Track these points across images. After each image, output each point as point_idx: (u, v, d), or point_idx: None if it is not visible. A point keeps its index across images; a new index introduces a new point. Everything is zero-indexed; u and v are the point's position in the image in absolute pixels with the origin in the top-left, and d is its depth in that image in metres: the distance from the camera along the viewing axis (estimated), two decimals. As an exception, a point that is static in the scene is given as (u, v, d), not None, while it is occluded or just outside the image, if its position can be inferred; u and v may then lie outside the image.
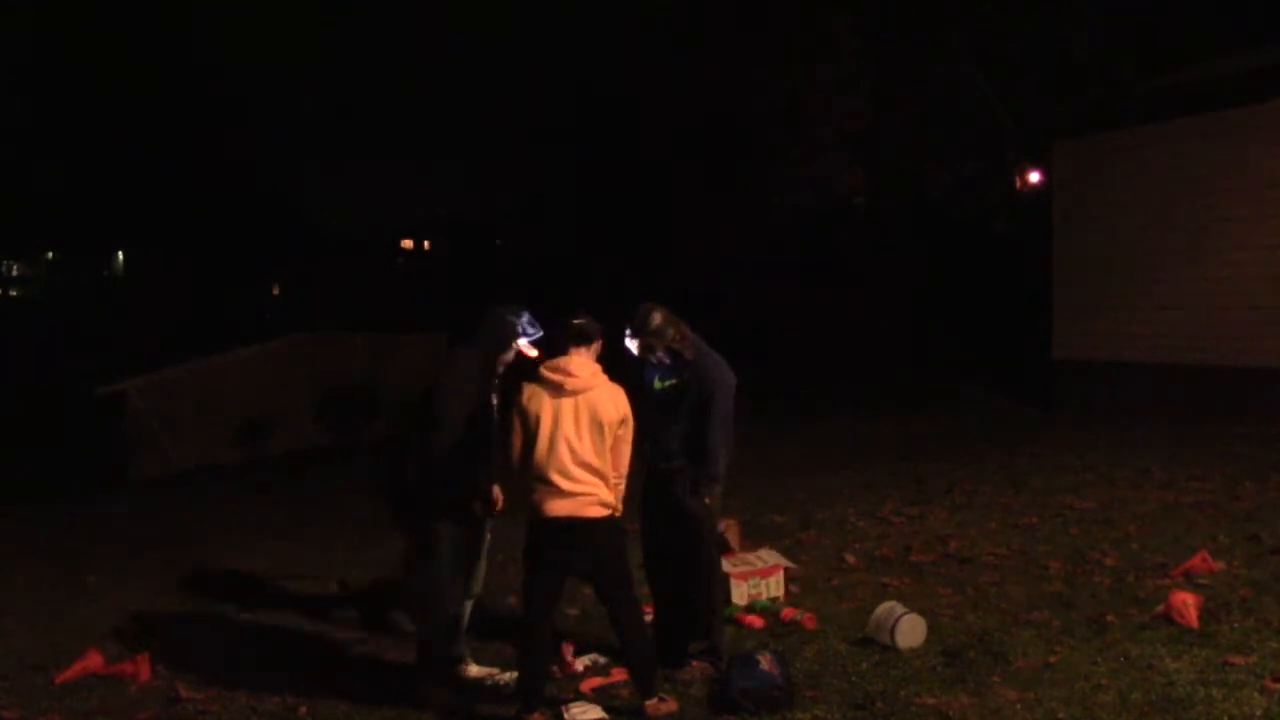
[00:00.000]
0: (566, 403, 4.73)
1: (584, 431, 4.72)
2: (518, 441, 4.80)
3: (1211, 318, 12.03)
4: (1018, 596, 6.18)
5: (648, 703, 4.80)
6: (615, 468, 4.85)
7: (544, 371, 4.80)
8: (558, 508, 4.71)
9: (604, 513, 4.78)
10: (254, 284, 42.23)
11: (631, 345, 5.36)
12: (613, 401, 4.81)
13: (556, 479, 4.70)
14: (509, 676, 5.47)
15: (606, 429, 4.76)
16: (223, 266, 39.51)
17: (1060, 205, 14.14)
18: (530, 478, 4.75)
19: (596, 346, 4.90)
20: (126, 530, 10.56)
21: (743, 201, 22.24)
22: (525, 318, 5.34)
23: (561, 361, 4.80)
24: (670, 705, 4.84)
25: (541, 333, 5.37)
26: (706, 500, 5.35)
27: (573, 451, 4.71)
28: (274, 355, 16.93)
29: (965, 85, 18.19)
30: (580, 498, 4.71)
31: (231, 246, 39.93)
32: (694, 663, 5.33)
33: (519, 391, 4.80)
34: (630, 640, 4.85)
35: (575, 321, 4.83)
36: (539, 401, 4.75)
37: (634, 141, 25.37)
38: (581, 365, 4.80)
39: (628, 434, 4.86)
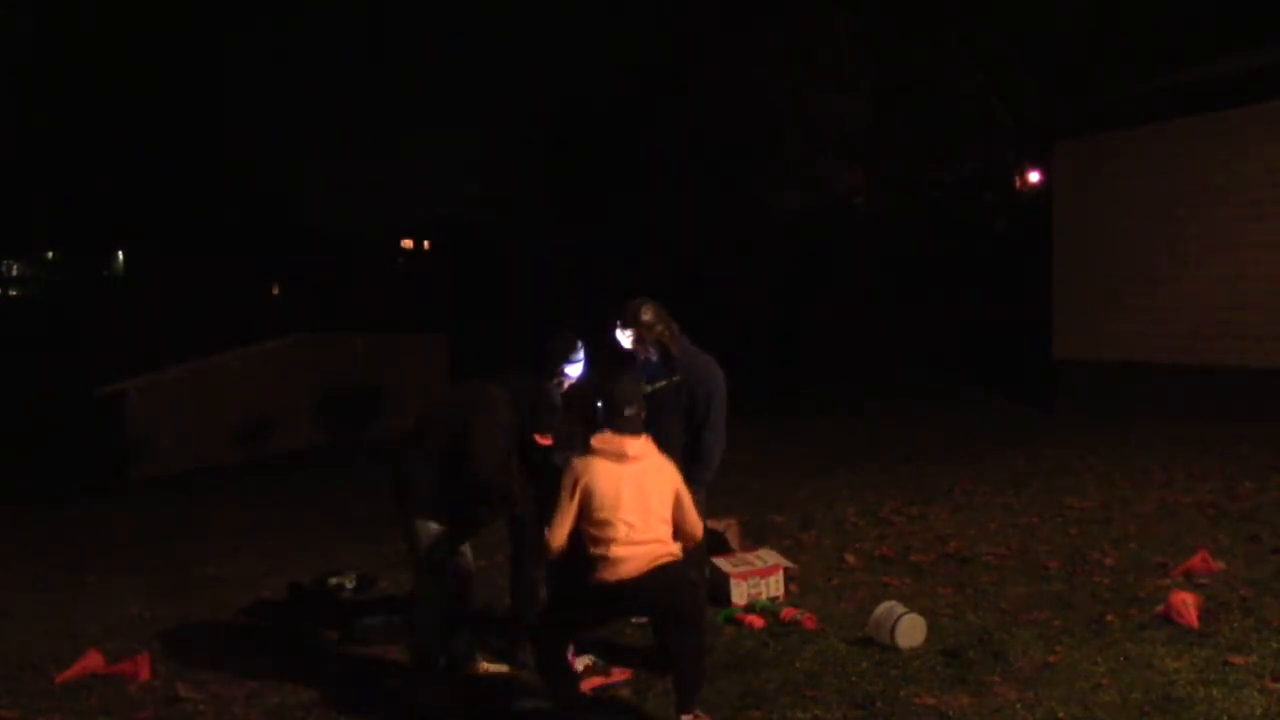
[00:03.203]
0: (629, 469, 4.65)
1: (650, 496, 4.65)
2: (571, 512, 4.64)
3: (1212, 317, 12.02)
4: (1018, 596, 6.18)
5: (684, 716, 4.67)
6: (689, 538, 4.80)
7: (598, 445, 4.69)
8: (625, 570, 4.58)
9: (671, 559, 4.66)
10: (254, 284, 42.21)
11: (621, 337, 5.36)
12: (666, 471, 4.76)
13: (623, 541, 4.58)
14: (513, 674, 5.48)
15: (667, 492, 4.70)
16: (223, 266, 39.50)
17: (1060, 205, 14.14)
18: (595, 542, 4.62)
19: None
20: (126, 530, 10.57)
21: (743, 201, 22.26)
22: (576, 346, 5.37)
23: (616, 439, 4.69)
24: None
25: (581, 360, 5.40)
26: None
27: (643, 512, 4.61)
28: (274, 355, 16.93)
29: (965, 85, 18.21)
30: (649, 547, 4.60)
31: (231, 246, 39.93)
32: None
33: (571, 467, 4.69)
34: (681, 657, 4.67)
35: (627, 414, 4.69)
36: (596, 471, 4.63)
37: (634, 141, 25.37)
38: (634, 444, 4.71)
39: (687, 500, 4.78)
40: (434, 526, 5.23)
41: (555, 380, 5.41)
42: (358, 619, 6.38)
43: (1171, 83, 13.37)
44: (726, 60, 21.04)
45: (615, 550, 4.57)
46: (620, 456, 4.66)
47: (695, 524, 4.83)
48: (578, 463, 4.70)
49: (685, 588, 4.68)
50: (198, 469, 14.44)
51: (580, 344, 5.47)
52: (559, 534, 4.66)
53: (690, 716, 4.66)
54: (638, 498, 4.62)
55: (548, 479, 5.40)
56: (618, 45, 25.96)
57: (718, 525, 6.91)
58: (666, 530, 4.69)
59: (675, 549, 4.70)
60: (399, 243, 53.24)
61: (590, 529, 4.62)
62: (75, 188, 40.05)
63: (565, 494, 4.66)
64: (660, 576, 4.59)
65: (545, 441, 4.94)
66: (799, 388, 16.96)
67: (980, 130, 18.49)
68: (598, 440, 4.71)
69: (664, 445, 5.29)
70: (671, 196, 24.08)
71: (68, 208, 40.98)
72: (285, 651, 6.17)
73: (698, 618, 4.72)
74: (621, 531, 4.57)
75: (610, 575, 4.59)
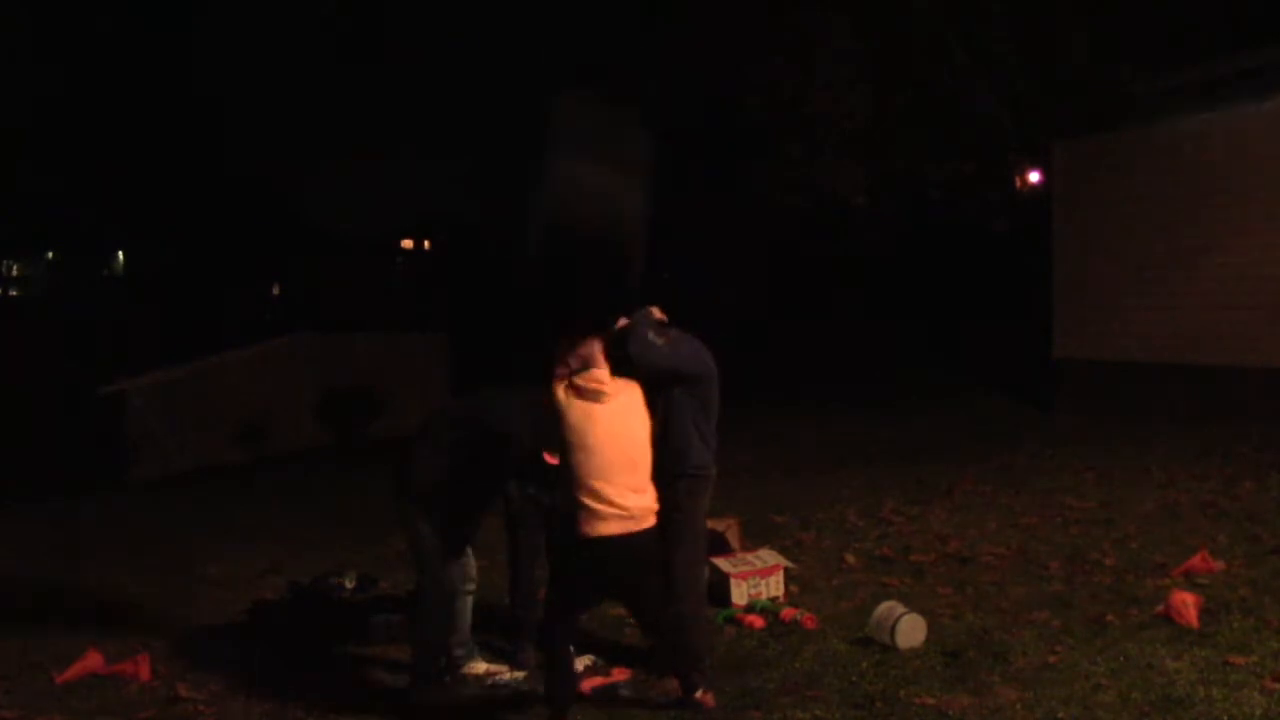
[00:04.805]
0: (614, 409, 4.68)
1: (636, 432, 4.69)
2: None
3: (1211, 317, 12.02)
4: (1018, 596, 6.18)
5: (697, 695, 4.83)
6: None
7: (580, 382, 4.68)
8: (605, 528, 4.57)
9: (650, 523, 4.68)
10: (254, 284, 42.21)
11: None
12: (639, 401, 4.81)
13: (613, 495, 4.57)
14: (513, 675, 5.48)
15: (643, 426, 4.77)
16: (223, 266, 39.51)
17: (1060, 205, 14.13)
18: (582, 492, 4.59)
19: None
20: (126, 530, 10.57)
21: (743, 201, 22.25)
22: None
23: (595, 372, 4.71)
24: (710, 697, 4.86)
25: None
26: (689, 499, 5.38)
27: (631, 470, 4.62)
28: (274, 355, 16.94)
29: (965, 85, 18.19)
30: (636, 518, 4.61)
31: (231, 246, 39.93)
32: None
33: (558, 401, 4.70)
34: (671, 642, 4.84)
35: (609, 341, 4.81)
36: (583, 410, 4.64)
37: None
38: (605, 374, 4.75)
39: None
40: (435, 527, 5.23)
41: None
42: (359, 618, 6.38)
43: (1171, 83, 13.36)
44: (726, 60, 21.02)
45: (596, 512, 4.57)
46: (599, 395, 4.67)
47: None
48: (562, 393, 4.68)
49: (652, 566, 4.72)
50: (198, 469, 14.45)
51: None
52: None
53: (700, 693, 4.80)
54: (626, 459, 4.61)
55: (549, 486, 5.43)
56: (617, 44, 25.96)
57: (718, 525, 6.91)
58: (649, 477, 4.69)
59: (654, 506, 4.68)
60: (399, 243, 53.21)
61: (583, 484, 4.59)
62: (75, 188, 40.06)
63: (561, 425, 4.68)
64: (645, 542, 4.62)
65: (554, 461, 4.97)
66: (799, 388, 16.95)
67: (980, 130, 18.46)
68: (579, 379, 4.69)
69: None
70: (670, 197, 24.05)
71: (68, 208, 40.97)
72: (285, 651, 6.17)
73: (658, 589, 4.78)
74: (615, 493, 4.57)
75: (589, 530, 4.57)
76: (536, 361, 5.29)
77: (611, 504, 4.56)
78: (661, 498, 4.90)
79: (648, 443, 4.75)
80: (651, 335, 5.19)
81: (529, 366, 5.46)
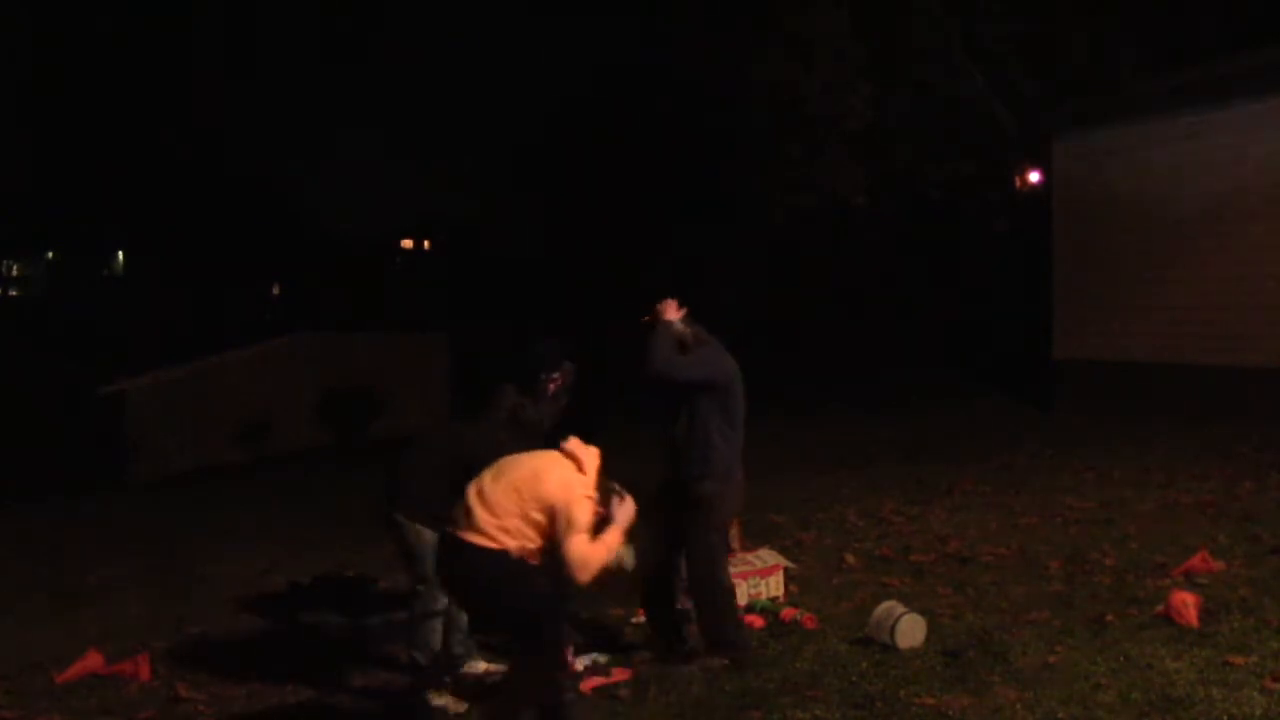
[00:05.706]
0: (527, 454, 4.56)
1: (508, 475, 4.38)
2: None
3: (1211, 317, 12.02)
4: (1018, 596, 6.18)
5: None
6: (572, 568, 4.24)
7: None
8: (460, 526, 4.34)
9: (492, 545, 4.26)
10: (254, 284, 42.27)
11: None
12: (554, 473, 4.36)
13: (469, 501, 4.37)
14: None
15: (526, 487, 4.32)
16: (223, 266, 39.57)
17: (1060, 205, 14.14)
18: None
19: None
20: (126, 530, 10.57)
21: (743, 202, 22.26)
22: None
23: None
24: None
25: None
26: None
27: (486, 489, 4.37)
28: (274, 355, 16.97)
29: (965, 85, 18.21)
30: (486, 521, 4.29)
31: (231, 247, 39.98)
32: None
33: None
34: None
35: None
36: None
37: (632, 142, 25.38)
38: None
39: (571, 520, 4.23)
40: (432, 530, 5.23)
41: (541, 386, 5.48)
42: (358, 618, 6.38)
43: (1172, 82, 13.37)
44: (725, 59, 21.02)
45: (460, 509, 4.39)
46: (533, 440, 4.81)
47: (576, 555, 4.21)
48: None
49: (506, 587, 4.25)
50: (198, 469, 14.46)
51: (561, 352, 5.53)
52: None
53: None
54: (496, 473, 4.42)
55: None
56: (614, 44, 25.96)
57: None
58: (515, 523, 4.27)
59: (511, 546, 4.27)
60: (399, 243, 53.25)
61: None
62: (75, 188, 40.10)
63: None
64: (483, 558, 4.24)
65: None
66: (799, 388, 16.95)
67: (980, 130, 18.46)
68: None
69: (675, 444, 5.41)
70: (671, 198, 24.07)
71: (68, 208, 41.04)
72: (285, 651, 6.17)
73: (521, 623, 4.31)
74: (472, 491, 4.39)
75: (451, 526, 4.39)
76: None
77: (464, 506, 4.38)
78: (686, 497, 5.09)
79: (521, 502, 4.31)
80: (673, 345, 5.29)
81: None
